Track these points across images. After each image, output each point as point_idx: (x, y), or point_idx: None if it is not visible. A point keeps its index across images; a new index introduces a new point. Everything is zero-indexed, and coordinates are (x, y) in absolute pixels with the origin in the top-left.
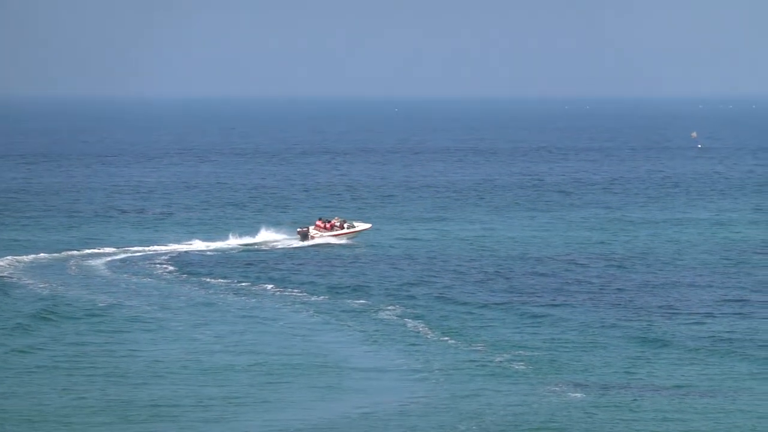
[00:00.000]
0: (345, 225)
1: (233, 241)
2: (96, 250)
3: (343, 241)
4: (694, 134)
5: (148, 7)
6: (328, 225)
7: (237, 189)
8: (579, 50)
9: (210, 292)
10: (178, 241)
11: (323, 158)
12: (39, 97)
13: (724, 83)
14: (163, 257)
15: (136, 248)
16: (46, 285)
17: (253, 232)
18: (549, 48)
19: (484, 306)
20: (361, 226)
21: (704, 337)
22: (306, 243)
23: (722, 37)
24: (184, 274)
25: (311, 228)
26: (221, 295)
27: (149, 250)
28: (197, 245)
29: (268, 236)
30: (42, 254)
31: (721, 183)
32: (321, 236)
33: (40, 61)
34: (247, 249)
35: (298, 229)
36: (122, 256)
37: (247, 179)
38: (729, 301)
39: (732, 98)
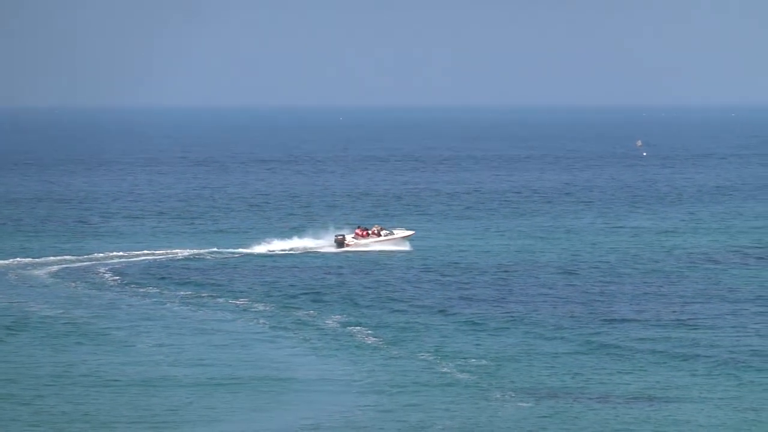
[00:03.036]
0: (383, 233)
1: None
2: (37, 260)
3: (386, 248)
4: (639, 143)
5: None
6: (365, 233)
7: (190, 198)
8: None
9: (153, 301)
10: (120, 250)
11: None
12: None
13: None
14: (105, 267)
15: (77, 257)
16: None
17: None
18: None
19: (430, 315)
20: (401, 233)
21: (648, 346)
22: (341, 250)
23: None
24: (125, 283)
25: (349, 236)
26: (164, 305)
27: (91, 259)
28: (148, 252)
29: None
30: None
31: (664, 191)
32: (357, 244)
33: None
34: (196, 258)
35: (336, 236)
36: (63, 265)
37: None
38: (672, 309)
39: (685, 107)
